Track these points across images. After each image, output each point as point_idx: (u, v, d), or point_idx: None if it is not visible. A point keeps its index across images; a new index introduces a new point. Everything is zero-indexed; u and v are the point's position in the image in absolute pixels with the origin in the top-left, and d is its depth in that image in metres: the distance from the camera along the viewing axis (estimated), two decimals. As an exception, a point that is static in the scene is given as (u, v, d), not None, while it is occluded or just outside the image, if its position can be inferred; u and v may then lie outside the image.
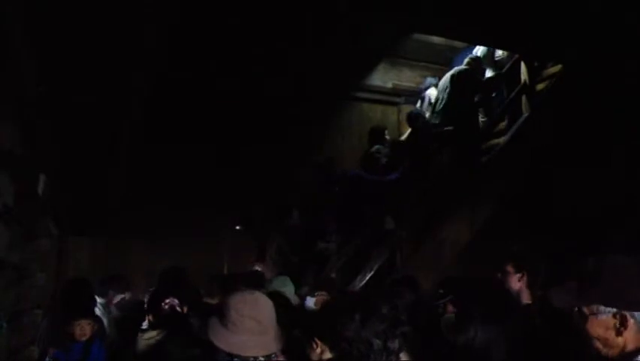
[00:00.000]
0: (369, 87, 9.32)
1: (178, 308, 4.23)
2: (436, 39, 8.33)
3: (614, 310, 1.78)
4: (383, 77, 9.35)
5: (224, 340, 2.30)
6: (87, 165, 5.61)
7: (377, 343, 2.02)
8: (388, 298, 2.31)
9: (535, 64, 6.77)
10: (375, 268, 6.57)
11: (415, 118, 7.57)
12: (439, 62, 8.90)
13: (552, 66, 6.69)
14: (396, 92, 9.32)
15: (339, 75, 8.48)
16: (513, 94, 6.95)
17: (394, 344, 2.05)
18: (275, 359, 2.37)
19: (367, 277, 6.49)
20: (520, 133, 6.57)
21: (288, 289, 4.60)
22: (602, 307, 1.80)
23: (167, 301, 4.28)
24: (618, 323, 1.77)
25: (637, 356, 1.76)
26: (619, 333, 1.78)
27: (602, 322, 1.80)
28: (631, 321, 1.77)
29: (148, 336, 3.97)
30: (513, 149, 6.52)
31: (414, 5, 4.72)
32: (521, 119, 6.71)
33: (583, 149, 5.37)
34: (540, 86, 6.76)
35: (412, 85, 9.24)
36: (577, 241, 3.36)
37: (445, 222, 6.54)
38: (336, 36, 7.60)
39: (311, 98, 8.31)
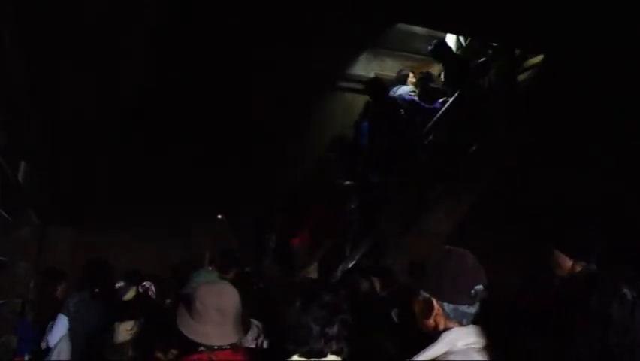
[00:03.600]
0: (352, 77, 9.33)
1: (151, 293, 4.31)
2: (419, 29, 8.35)
3: (427, 295, 1.97)
4: (366, 67, 9.36)
5: (192, 330, 2.42)
6: (72, 155, 5.58)
7: (316, 329, 2.11)
8: (335, 287, 2.46)
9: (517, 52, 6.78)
10: (357, 257, 6.59)
11: (437, 50, 7.42)
12: (421, 53, 8.92)
13: (533, 57, 6.70)
14: (378, 81, 9.33)
15: (322, 65, 8.48)
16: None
17: (332, 330, 2.14)
18: (241, 346, 2.53)
19: (349, 266, 6.51)
20: (503, 124, 6.57)
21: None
22: (421, 291, 1.99)
23: (144, 284, 4.38)
24: (426, 307, 1.96)
25: (441, 334, 1.93)
26: (427, 316, 1.97)
27: (418, 304, 2.00)
28: (436, 307, 1.95)
29: (127, 326, 3.99)
30: (496, 140, 6.53)
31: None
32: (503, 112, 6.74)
33: (568, 141, 5.38)
34: (522, 77, 6.77)
35: (395, 75, 9.26)
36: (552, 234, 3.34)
37: (428, 211, 6.55)
38: (319, 26, 7.57)
39: (293, 87, 8.31)
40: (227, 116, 8.03)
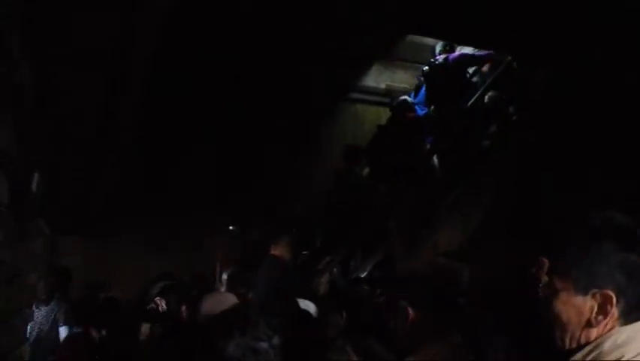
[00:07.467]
0: (363, 88, 9.31)
1: (161, 309, 4.58)
2: (431, 41, 8.31)
3: (405, 304, 2.01)
4: (377, 79, 9.34)
5: None
6: (80, 164, 5.60)
7: (340, 341, 2.24)
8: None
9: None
10: (368, 269, 6.55)
11: None
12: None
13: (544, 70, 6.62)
14: (389, 93, 9.30)
15: (332, 75, 8.48)
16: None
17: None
18: None
19: (361, 278, 6.47)
20: (511, 138, 6.49)
21: None
22: (400, 301, 2.04)
23: (155, 300, 4.67)
24: (404, 316, 2.00)
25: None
26: (404, 325, 2.00)
27: (397, 312, 2.03)
28: (412, 316, 1.98)
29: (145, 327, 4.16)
30: (503, 153, 6.44)
31: (411, 6, 4.71)
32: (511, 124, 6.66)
33: (574, 154, 5.32)
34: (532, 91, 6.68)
35: (406, 86, 9.19)
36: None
37: (437, 225, 6.47)
38: (331, 36, 7.56)
39: (303, 98, 8.31)
40: (238, 127, 8.04)
